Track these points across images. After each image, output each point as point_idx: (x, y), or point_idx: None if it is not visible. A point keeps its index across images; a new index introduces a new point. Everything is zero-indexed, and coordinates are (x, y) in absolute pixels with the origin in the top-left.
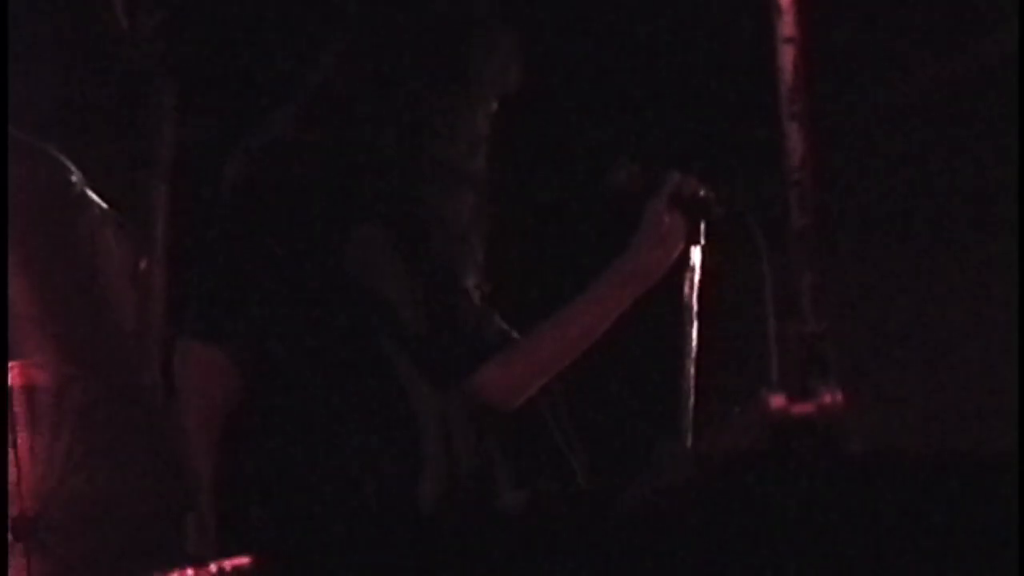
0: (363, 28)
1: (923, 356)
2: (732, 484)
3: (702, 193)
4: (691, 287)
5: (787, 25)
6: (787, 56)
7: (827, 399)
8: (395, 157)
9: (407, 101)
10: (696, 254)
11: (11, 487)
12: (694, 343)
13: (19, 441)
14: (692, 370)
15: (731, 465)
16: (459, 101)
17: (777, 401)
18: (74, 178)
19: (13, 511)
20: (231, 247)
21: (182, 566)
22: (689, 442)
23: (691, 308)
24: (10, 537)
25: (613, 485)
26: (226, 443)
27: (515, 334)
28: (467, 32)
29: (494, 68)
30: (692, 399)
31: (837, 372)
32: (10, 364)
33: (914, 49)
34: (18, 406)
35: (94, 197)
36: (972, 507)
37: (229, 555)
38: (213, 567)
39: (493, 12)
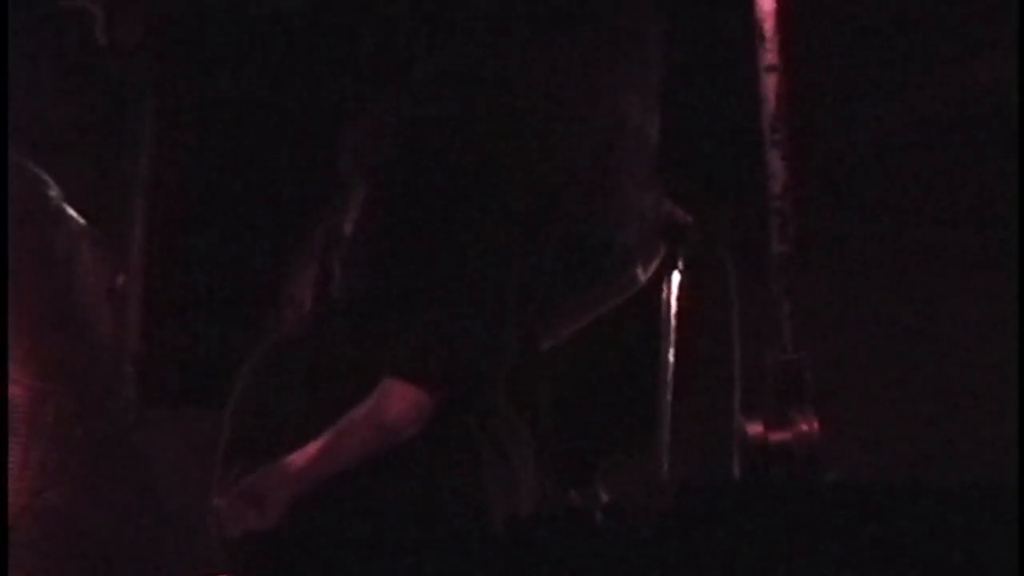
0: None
1: (900, 385)
2: (707, 512)
3: (681, 218)
4: (667, 313)
5: (770, 53)
6: (770, 84)
7: (804, 427)
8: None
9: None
10: (674, 279)
11: None
12: (671, 369)
13: None
14: (669, 396)
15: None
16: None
17: (754, 428)
18: (52, 193)
19: None
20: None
21: None
22: (665, 468)
23: (668, 334)
24: None
25: (585, 507)
26: None
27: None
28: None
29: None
30: (668, 425)
31: (814, 400)
32: None
33: (897, 78)
34: None
35: (71, 212)
36: (948, 537)
37: None
38: None
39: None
